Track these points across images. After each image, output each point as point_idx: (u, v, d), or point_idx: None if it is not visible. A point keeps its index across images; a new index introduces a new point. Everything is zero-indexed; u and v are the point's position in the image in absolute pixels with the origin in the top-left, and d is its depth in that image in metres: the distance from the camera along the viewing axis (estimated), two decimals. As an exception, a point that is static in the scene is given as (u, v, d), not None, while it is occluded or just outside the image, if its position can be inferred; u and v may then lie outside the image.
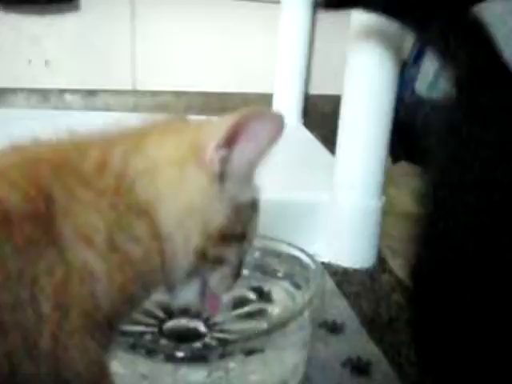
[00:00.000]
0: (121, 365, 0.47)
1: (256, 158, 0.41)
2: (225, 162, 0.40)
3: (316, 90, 1.47)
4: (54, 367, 0.36)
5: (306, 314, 0.55)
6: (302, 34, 1.34)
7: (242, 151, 0.40)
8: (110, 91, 1.38)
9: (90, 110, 1.36)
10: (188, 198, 0.40)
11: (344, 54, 1.41)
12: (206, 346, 0.52)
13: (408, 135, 1.14)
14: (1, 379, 0.34)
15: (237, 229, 0.42)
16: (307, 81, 1.43)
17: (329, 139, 1.22)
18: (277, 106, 1.36)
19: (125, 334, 0.46)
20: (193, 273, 0.42)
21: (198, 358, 0.49)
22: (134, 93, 1.40)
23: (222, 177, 0.40)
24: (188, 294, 0.43)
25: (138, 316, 0.55)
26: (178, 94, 1.41)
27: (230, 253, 0.43)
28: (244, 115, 0.39)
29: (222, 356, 0.49)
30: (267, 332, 0.51)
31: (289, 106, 1.36)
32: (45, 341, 0.35)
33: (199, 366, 0.50)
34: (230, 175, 0.40)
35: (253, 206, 0.44)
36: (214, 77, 1.41)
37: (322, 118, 1.47)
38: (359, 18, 0.81)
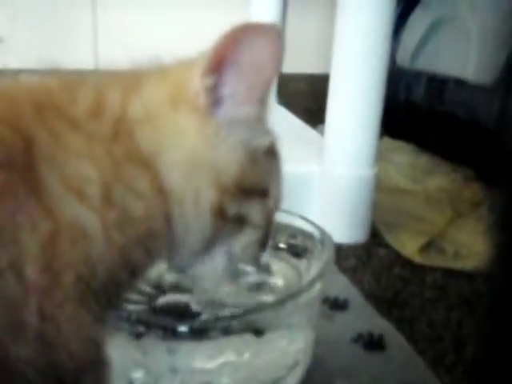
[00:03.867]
0: (113, 347, 0.39)
1: (258, 84, 0.34)
2: (214, 91, 0.33)
3: (289, 68, 1.42)
4: (43, 348, 0.28)
5: (318, 287, 0.49)
6: (273, 14, 1.29)
7: (237, 76, 0.33)
8: (70, 71, 1.30)
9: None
10: (188, 144, 0.34)
11: (316, 34, 1.36)
12: (206, 322, 0.45)
13: (389, 108, 1.10)
14: None
15: (256, 181, 0.36)
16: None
17: (303, 116, 1.17)
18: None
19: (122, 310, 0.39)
20: (212, 239, 0.35)
21: (200, 335, 0.42)
22: (97, 72, 1.31)
23: (215, 109, 0.33)
24: (210, 269, 0.37)
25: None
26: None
27: (254, 210, 0.36)
28: (230, 33, 0.33)
29: (226, 332, 0.43)
30: (276, 305, 0.45)
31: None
32: (31, 314, 0.28)
33: (201, 350, 0.43)
34: (230, 110, 0.34)
35: (271, 154, 0.37)
36: (181, 56, 1.34)
37: (295, 96, 1.43)
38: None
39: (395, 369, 0.52)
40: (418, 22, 1.05)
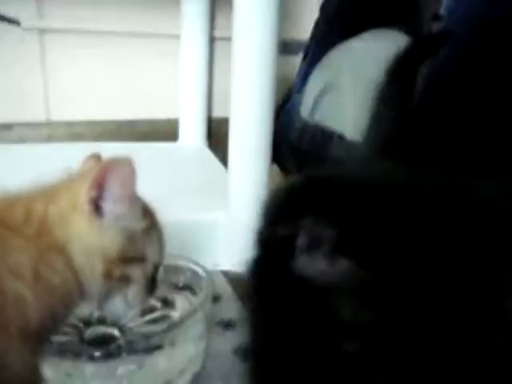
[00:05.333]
0: (50, 369, 0.59)
1: (126, 193, 0.54)
2: (98, 199, 0.53)
3: (218, 113, 1.61)
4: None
5: (200, 314, 0.69)
6: (201, 62, 1.48)
7: (112, 191, 0.53)
8: (24, 124, 1.47)
9: (6, 144, 1.44)
10: (83, 236, 0.53)
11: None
12: (118, 347, 0.65)
13: (298, 155, 1.31)
14: None
15: (135, 252, 0.56)
16: (210, 105, 1.58)
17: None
18: (182, 129, 1.50)
19: (53, 342, 0.59)
20: (111, 291, 0.56)
21: (112, 356, 0.62)
22: (49, 124, 1.49)
23: (99, 213, 0.53)
24: (115, 308, 0.57)
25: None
26: (91, 123, 1.52)
27: (134, 272, 0.56)
28: (104, 165, 0.53)
29: (130, 352, 0.63)
30: (164, 331, 0.65)
31: (193, 129, 1.50)
32: None
33: (115, 363, 0.64)
34: (111, 211, 0.53)
35: (147, 233, 0.57)
36: (124, 105, 1.54)
37: (225, 138, 1.62)
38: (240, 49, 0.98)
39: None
40: (314, 83, 1.27)
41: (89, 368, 0.63)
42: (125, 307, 0.58)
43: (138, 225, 0.56)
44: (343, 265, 0.34)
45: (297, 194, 0.37)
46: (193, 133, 1.50)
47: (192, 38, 1.46)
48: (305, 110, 1.31)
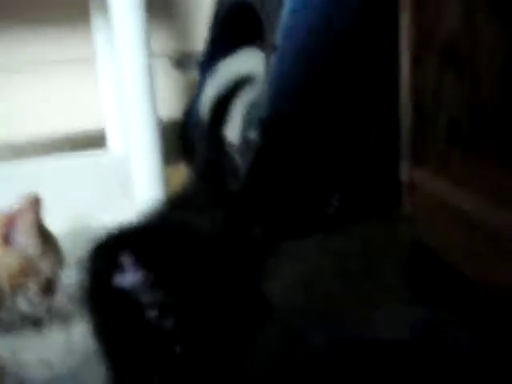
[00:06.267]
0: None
1: (28, 232, 0.83)
2: (8, 234, 0.82)
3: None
4: None
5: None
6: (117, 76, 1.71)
7: (17, 230, 0.82)
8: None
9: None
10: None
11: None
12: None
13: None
14: None
15: (31, 269, 0.84)
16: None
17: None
18: (110, 138, 1.76)
19: None
20: (15, 294, 0.84)
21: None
22: None
23: (8, 243, 0.82)
24: (21, 305, 0.85)
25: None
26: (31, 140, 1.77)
27: (29, 282, 0.85)
28: (14, 211, 0.83)
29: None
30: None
31: (119, 136, 1.76)
32: None
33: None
34: (16, 242, 0.82)
35: (42, 255, 0.85)
36: (59, 121, 1.79)
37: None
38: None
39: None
40: (207, 92, 1.55)
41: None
42: (27, 306, 0.86)
43: (36, 250, 0.85)
44: (142, 274, 0.62)
45: (113, 245, 0.63)
46: (119, 140, 1.75)
47: (105, 59, 1.70)
48: (204, 114, 1.59)
